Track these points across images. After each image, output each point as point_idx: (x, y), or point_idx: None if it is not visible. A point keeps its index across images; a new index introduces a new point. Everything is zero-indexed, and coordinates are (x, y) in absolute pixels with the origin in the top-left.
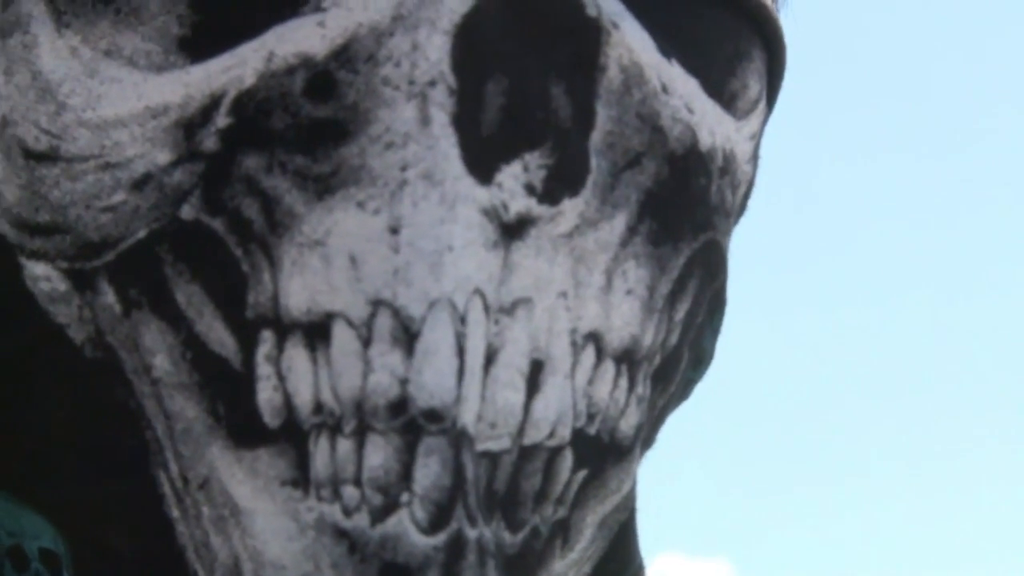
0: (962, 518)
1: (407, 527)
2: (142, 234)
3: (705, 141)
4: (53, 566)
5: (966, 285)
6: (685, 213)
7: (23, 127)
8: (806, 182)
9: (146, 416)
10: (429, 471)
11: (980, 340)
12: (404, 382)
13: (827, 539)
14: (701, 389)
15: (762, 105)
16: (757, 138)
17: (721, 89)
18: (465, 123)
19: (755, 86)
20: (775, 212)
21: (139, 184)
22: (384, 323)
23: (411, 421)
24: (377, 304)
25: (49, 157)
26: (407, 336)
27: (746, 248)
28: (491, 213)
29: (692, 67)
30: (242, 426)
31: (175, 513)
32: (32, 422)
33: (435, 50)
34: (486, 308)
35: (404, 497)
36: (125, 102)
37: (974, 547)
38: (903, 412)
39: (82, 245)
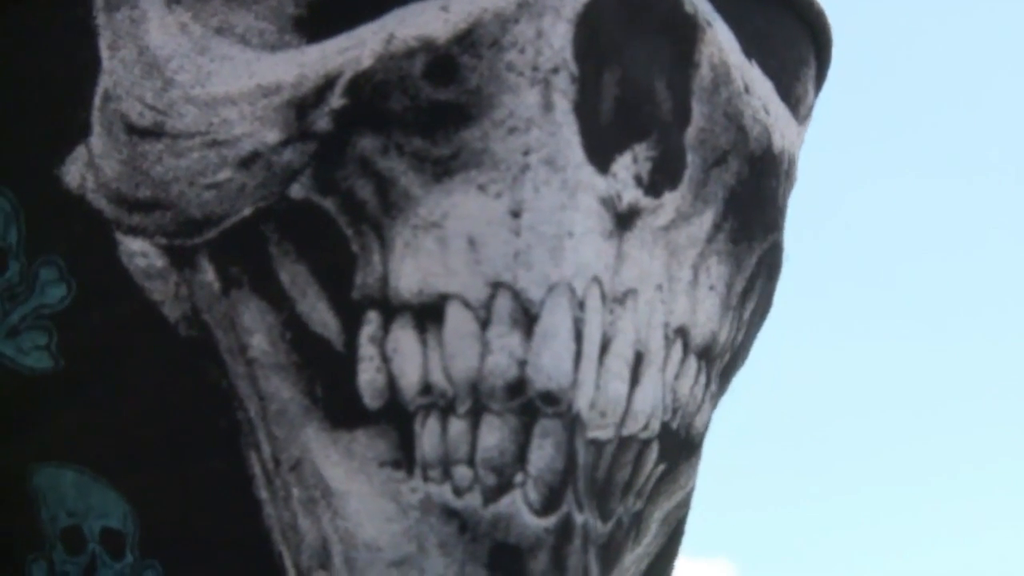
0: (962, 518)
1: (520, 508)
2: (247, 212)
3: (777, 143)
4: (115, 546)
5: (968, 287)
6: (759, 213)
7: (127, 102)
8: (835, 192)
9: (238, 396)
10: (544, 453)
11: (981, 342)
12: (522, 364)
13: (828, 540)
14: None
15: (813, 112)
16: (802, 146)
17: (789, 93)
18: (585, 111)
19: (812, 93)
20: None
21: (246, 162)
22: (504, 305)
23: (528, 403)
24: (497, 286)
25: (153, 133)
26: (526, 319)
27: None
28: (608, 202)
29: (767, 69)
30: (340, 408)
31: (263, 494)
32: (120, 399)
33: (559, 38)
34: (603, 296)
35: (518, 478)
36: (236, 80)
37: (975, 547)
38: (905, 413)
39: (183, 221)
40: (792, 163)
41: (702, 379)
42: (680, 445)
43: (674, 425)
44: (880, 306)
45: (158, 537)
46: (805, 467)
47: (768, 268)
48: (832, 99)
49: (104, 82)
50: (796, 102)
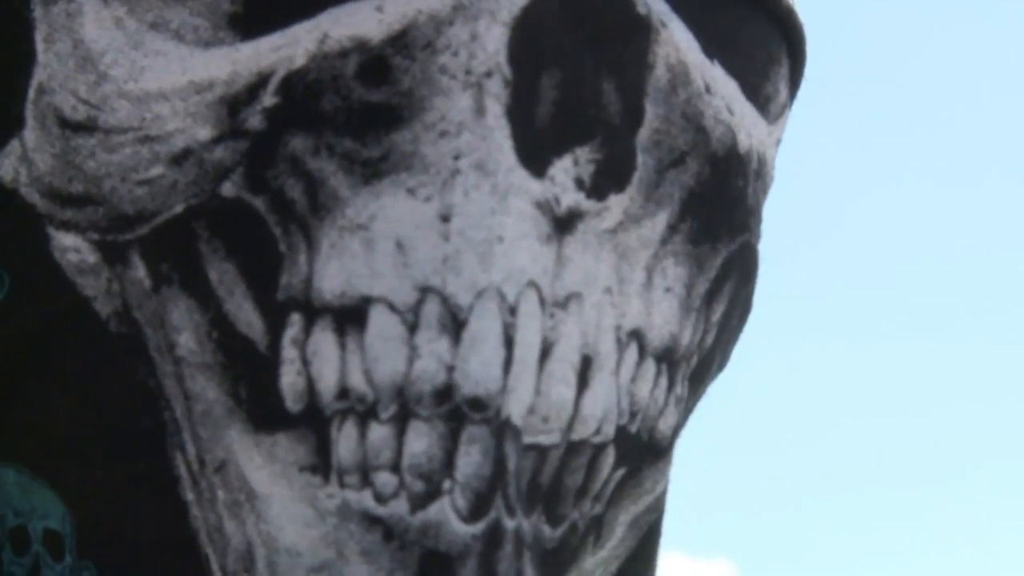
0: (962, 519)
1: (448, 515)
2: (179, 209)
3: (743, 143)
4: (56, 548)
5: (969, 288)
6: (724, 214)
7: (61, 96)
8: (832, 195)
9: (165, 396)
10: (471, 460)
11: (982, 344)
12: (450, 369)
13: (828, 540)
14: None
15: (787, 112)
16: (779, 145)
17: (756, 92)
18: (519, 115)
19: (783, 92)
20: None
21: (178, 159)
22: (432, 310)
23: (455, 409)
24: (425, 291)
25: (86, 127)
26: (454, 324)
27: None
28: (544, 206)
29: (731, 69)
30: (263, 410)
31: (190, 496)
32: (53, 396)
33: (493, 41)
34: (541, 301)
35: (446, 484)
36: (169, 76)
37: (975, 548)
38: (906, 414)
39: (115, 217)
40: (763, 162)
41: (663, 382)
42: (642, 449)
43: (633, 429)
44: (881, 309)
45: (92, 538)
46: (805, 468)
47: (739, 270)
48: (833, 102)
49: (39, 75)
50: (765, 101)
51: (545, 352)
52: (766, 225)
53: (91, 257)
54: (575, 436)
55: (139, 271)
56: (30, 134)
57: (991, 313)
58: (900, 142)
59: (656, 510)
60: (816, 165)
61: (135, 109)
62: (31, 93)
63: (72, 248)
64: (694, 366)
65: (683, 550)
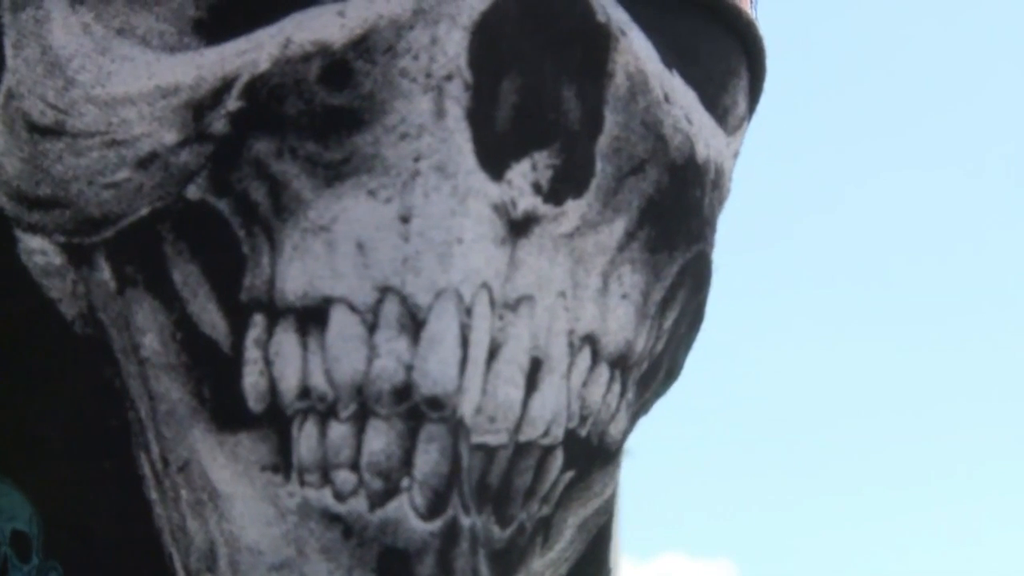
0: (962, 519)
1: (407, 512)
2: (144, 212)
3: (701, 153)
4: (23, 549)
5: (971, 291)
6: (681, 223)
7: (29, 100)
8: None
9: (130, 396)
10: (429, 458)
11: (982, 344)
12: (409, 368)
13: (830, 540)
14: (704, 391)
15: (746, 124)
16: (737, 157)
17: (715, 103)
18: (479, 119)
19: (742, 104)
20: (778, 214)
21: (144, 162)
22: (391, 310)
23: (414, 407)
24: (385, 291)
25: (54, 132)
26: (413, 324)
27: (757, 251)
28: (501, 209)
29: (690, 79)
30: (226, 410)
31: (153, 495)
32: (19, 396)
33: (453, 45)
34: (492, 303)
35: (405, 482)
36: (135, 80)
37: (975, 548)
38: (906, 415)
39: (82, 220)
40: (720, 173)
41: (616, 387)
42: (591, 453)
43: (583, 432)
44: (882, 309)
45: (58, 538)
46: (807, 469)
47: (693, 278)
48: (830, 100)
49: (8, 80)
50: (724, 112)
51: (493, 353)
52: (767, 224)
53: (57, 259)
54: (523, 437)
55: (104, 273)
56: None
57: (991, 313)
58: (900, 141)
59: (605, 513)
60: (815, 163)
61: (102, 113)
62: (0, 98)
63: (39, 250)
64: (643, 371)
65: (685, 550)
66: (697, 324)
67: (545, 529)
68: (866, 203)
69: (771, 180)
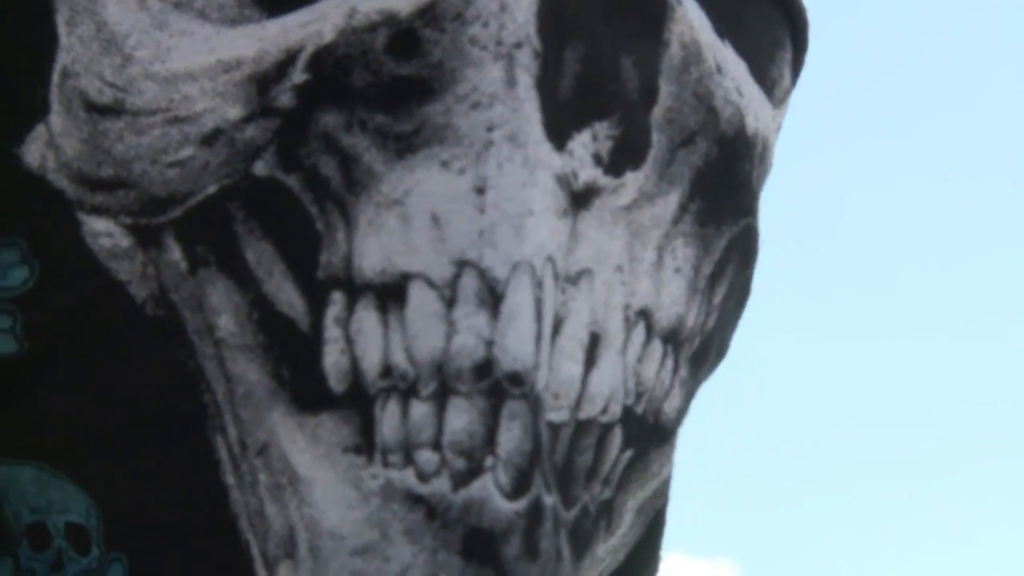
0: (963, 519)
1: (492, 492)
2: (212, 190)
3: (751, 126)
4: (81, 541)
5: (971, 291)
6: (729, 196)
7: (85, 79)
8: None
9: (206, 378)
10: (512, 435)
11: (982, 344)
12: (489, 344)
13: (830, 540)
14: (705, 389)
15: (789, 97)
16: (780, 131)
17: (763, 76)
18: (546, 88)
19: (787, 76)
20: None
21: (208, 139)
22: (469, 284)
23: (495, 384)
24: (462, 264)
25: (113, 110)
26: (492, 298)
27: (759, 250)
28: (563, 181)
29: (741, 50)
30: (306, 391)
31: (230, 480)
32: (87, 381)
33: (522, 12)
34: (556, 276)
35: (488, 461)
36: (195, 55)
37: (975, 548)
38: (907, 416)
39: (147, 200)
40: (767, 147)
41: (669, 363)
42: (648, 431)
43: (639, 410)
44: (882, 309)
45: (122, 529)
46: (807, 468)
47: (741, 253)
48: (832, 101)
49: (62, 59)
50: (771, 85)
51: (556, 328)
52: (767, 221)
53: (124, 241)
54: (583, 414)
55: (175, 254)
56: (56, 119)
57: (991, 313)
58: (899, 140)
59: (662, 496)
60: (814, 162)
61: (162, 90)
62: (55, 77)
63: (104, 233)
64: (696, 349)
65: (685, 550)
66: (744, 300)
67: (608, 513)
68: (866, 203)
69: (773, 180)
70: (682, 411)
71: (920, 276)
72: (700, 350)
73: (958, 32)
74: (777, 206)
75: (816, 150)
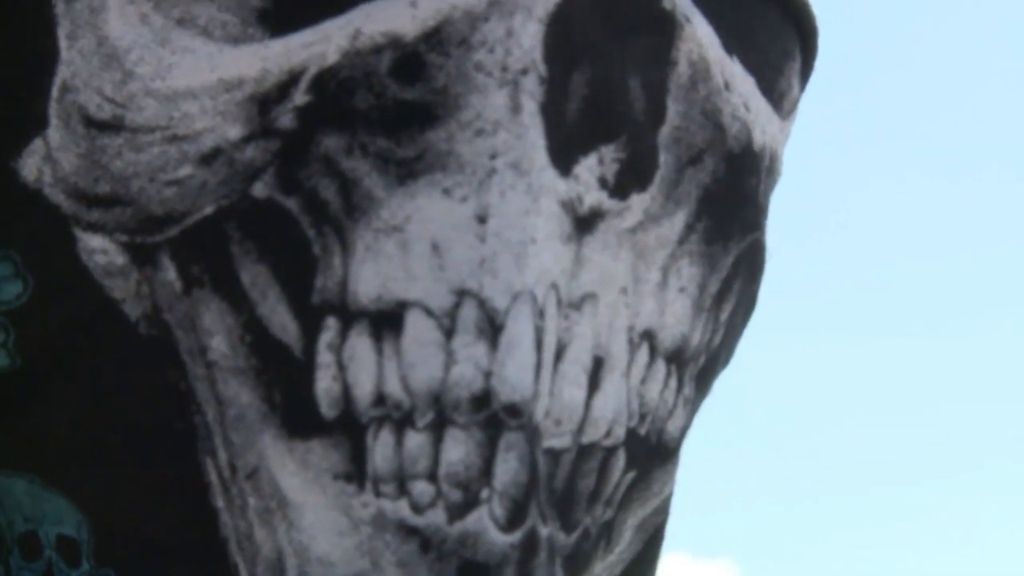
0: (963, 519)
1: (487, 524)
2: (209, 210)
3: (758, 140)
4: (71, 554)
5: (971, 291)
6: (737, 212)
7: (85, 94)
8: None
9: (197, 400)
10: (509, 467)
11: (982, 344)
12: (488, 375)
13: (831, 540)
14: None
15: (798, 106)
16: (788, 139)
17: (772, 88)
18: (551, 113)
19: (796, 87)
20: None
21: (207, 158)
22: (469, 314)
23: (493, 415)
24: (462, 294)
25: (112, 126)
26: (491, 328)
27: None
28: (568, 206)
29: (749, 64)
30: (297, 416)
31: (220, 503)
32: (78, 398)
33: (529, 38)
34: (559, 302)
35: (484, 493)
36: (197, 73)
37: (975, 549)
38: (907, 416)
39: (144, 218)
40: (774, 159)
41: (672, 383)
42: (651, 451)
43: (642, 431)
44: (882, 309)
45: (113, 545)
46: (808, 469)
47: (748, 268)
48: (833, 101)
49: (62, 73)
50: (779, 97)
51: (558, 354)
52: (771, 223)
53: (119, 259)
54: (586, 439)
55: (170, 273)
56: (54, 133)
57: (991, 312)
58: (899, 140)
59: (663, 512)
60: (814, 162)
61: (162, 107)
62: (54, 91)
63: (100, 250)
64: (702, 365)
65: (687, 551)
66: (750, 312)
67: (607, 532)
68: (866, 203)
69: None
70: (685, 429)
71: (920, 276)
72: (707, 368)
73: (958, 30)
74: (777, 206)
75: (816, 150)
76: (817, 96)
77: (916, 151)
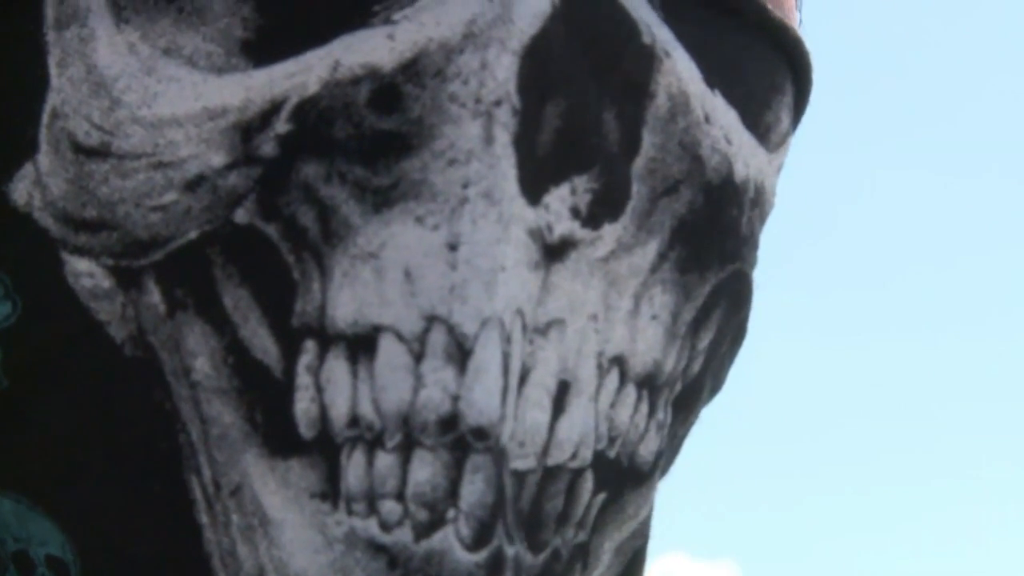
0: (963, 520)
1: (452, 543)
2: (193, 235)
3: (740, 172)
4: (60, 573)
5: (971, 291)
6: (715, 242)
7: (74, 121)
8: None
9: (181, 419)
10: (475, 488)
11: (982, 344)
12: (455, 399)
13: (832, 541)
14: None
15: (790, 139)
16: (781, 170)
17: (757, 121)
18: (523, 144)
19: (786, 119)
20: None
21: (192, 185)
22: (438, 339)
23: (460, 438)
24: (432, 319)
25: (100, 153)
26: (460, 353)
27: (760, 250)
28: (536, 234)
29: (733, 98)
30: (278, 435)
31: (204, 519)
32: (64, 419)
33: (503, 70)
34: (524, 328)
35: (450, 513)
36: (182, 102)
37: (976, 548)
38: (908, 417)
39: (129, 243)
40: (760, 191)
41: (643, 408)
42: (623, 474)
43: (611, 454)
44: (881, 309)
45: (98, 565)
46: (809, 469)
47: (730, 298)
48: (834, 100)
49: (52, 100)
50: (766, 130)
51: (523, 378)
52: (770, 223)
53: (105, 282)
54: (551, 461)
55: (154, 296)
56: (44, 158)
57: (991, 313)
58: (900, 140)
59: (641, 536)
60: (814, 162)
61: (148, 135)
62: (45, 117)
63: (86, 273)
64: (679, 392)
65: (688, 551)
66: (739, 341)
67: (583, 555)
68: (866, 203)
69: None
70: (660, 453)
71: (920, 276)
72: (686, 393)
73: (958, 29)
74: (777, 206)
75: (816, 150)
76: (819, 95)
77: (917, 151)
